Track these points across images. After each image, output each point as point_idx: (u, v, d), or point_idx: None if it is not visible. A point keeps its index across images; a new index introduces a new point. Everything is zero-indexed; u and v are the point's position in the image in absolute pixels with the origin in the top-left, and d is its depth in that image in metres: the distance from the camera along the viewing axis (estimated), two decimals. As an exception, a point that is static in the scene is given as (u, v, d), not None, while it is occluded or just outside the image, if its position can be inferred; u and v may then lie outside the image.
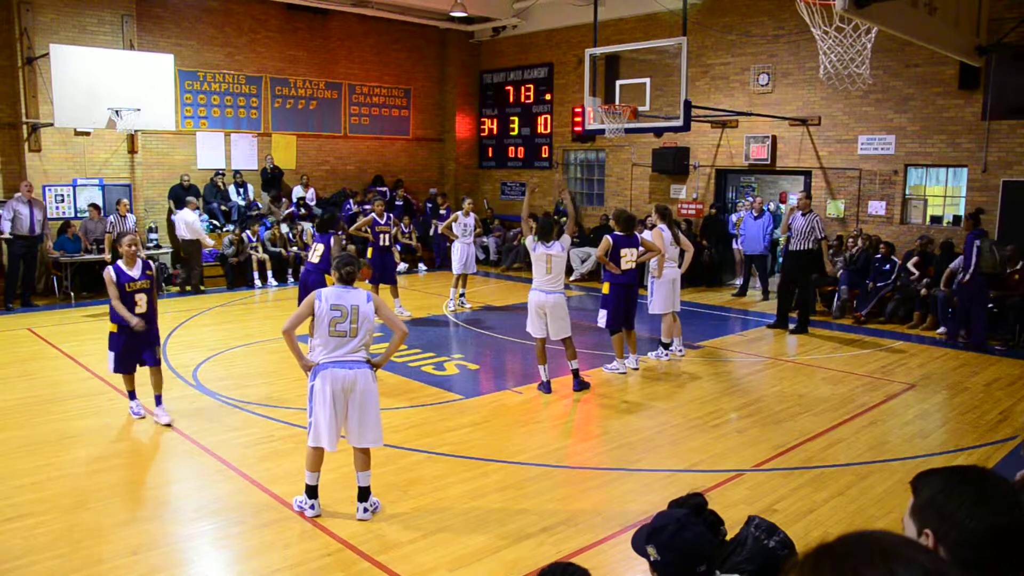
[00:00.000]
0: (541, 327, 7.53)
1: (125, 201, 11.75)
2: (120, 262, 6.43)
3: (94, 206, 12.71)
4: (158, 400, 6.58)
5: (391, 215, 11.32)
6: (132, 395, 6.70)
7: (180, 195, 14.24)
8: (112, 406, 7.01)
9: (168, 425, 6.43)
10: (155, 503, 5.12)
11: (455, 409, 7.06)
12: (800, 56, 12.84)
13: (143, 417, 6.62)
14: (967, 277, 9.60)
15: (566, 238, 7.51)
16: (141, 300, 6.42)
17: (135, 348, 6.45)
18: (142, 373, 6.62)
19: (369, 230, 10.82)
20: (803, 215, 10.28)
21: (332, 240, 9.19)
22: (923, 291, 10.76)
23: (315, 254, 9.13)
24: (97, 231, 12.46)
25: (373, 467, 4.83)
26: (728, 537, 2.45)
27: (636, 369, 8.39)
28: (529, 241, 7.55)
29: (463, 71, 18.52)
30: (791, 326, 10.51)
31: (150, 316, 6.50)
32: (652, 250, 8.42)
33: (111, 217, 11.59)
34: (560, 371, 7.89)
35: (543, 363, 7.59)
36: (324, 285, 8.53)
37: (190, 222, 12.96)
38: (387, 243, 10.87)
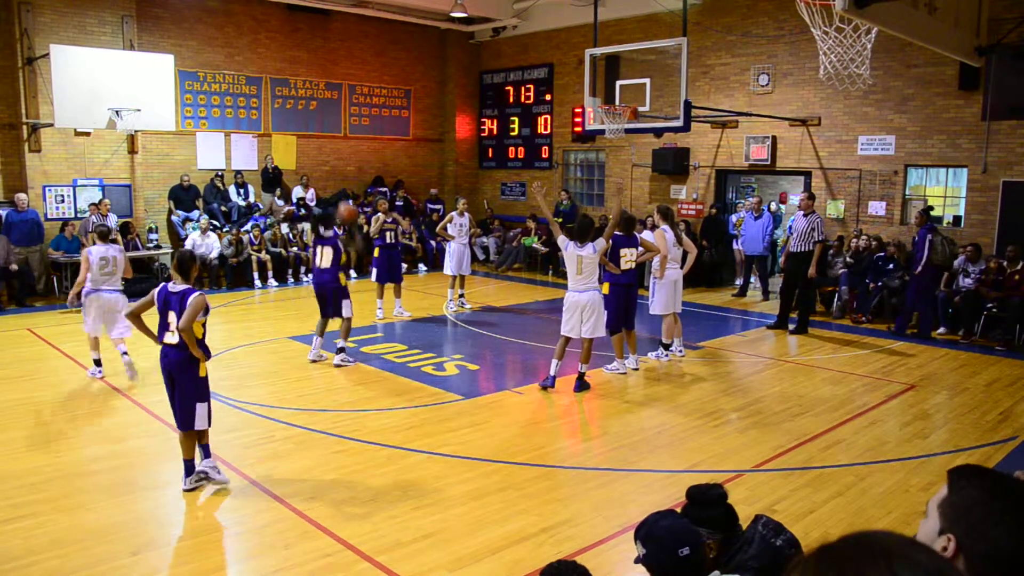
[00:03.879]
0: (572, 327, 7.52)
1: (107, 201, 11.74)
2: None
3: (94, 206, 12.71)
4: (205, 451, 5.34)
5: (394, 214, 11.39)
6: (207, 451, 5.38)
7: (180, 195, 14.26)
8: (112, 406, 7.01)
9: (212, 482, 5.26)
10: (155, 503, 5.11)
11: (455, 409, 7.05)
12: (800, 56, 12.84)
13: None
14: (919, 269, 10.12)
15: (600, 241, 7.49)
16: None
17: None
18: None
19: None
20: (805, 216, 10.28)
21: (339, 240, 8.37)
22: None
23: (324, 259, 8.35)
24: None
25: (374, 467, 4.79)
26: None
27: (636, 369, 8.39)
28: (562, 240, 7.52)
29: (463, 71, 18.52)
30: (791, 327, 10.51)
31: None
32: (652, 250, 8.43)
33: (94, 218, 11.55)
34: (563, 371, 7.87)
35: (558, 358, 7.59)
36: (339, 288, 8.39)
37: (200, 244, 13.41)
38: (392, 241, 10.96)
